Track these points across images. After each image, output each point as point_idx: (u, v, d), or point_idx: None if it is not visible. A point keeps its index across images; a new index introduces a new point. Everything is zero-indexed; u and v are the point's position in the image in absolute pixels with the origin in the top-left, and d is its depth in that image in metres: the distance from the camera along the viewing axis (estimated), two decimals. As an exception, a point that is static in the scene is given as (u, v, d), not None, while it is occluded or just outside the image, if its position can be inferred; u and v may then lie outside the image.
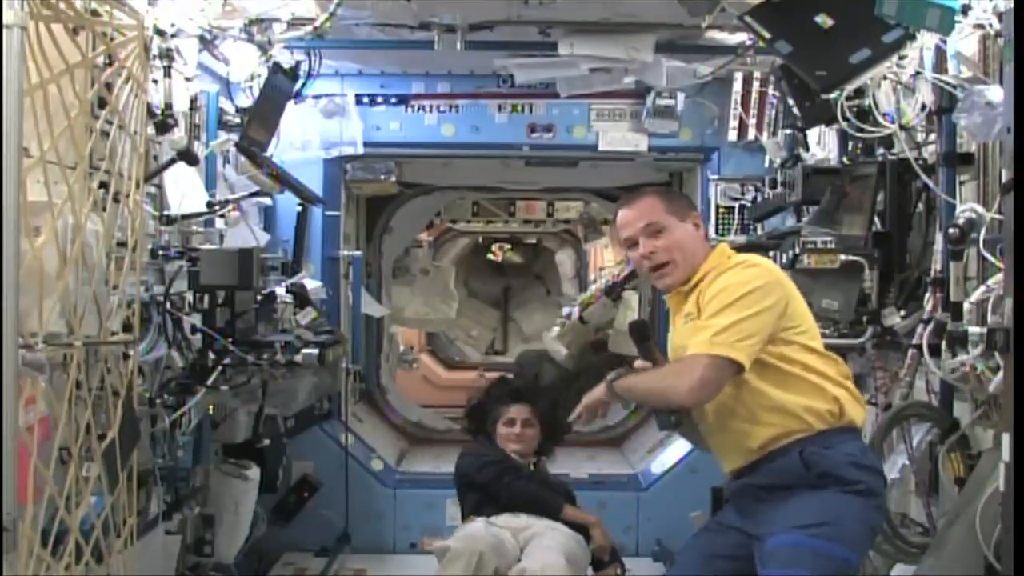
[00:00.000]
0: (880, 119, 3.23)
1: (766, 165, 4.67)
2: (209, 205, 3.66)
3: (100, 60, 2.74)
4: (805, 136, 4.08)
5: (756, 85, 4.65)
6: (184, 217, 3.54)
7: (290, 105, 4.29)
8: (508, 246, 12.10)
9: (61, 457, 2.42)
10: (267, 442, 4.11)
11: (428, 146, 5.09)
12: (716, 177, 4.93)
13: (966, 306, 2.77)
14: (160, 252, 3.34)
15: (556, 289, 11.55)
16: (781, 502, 2.46)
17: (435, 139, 5.01)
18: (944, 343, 2.86)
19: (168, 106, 3.40)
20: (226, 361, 3.37)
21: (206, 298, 3.43)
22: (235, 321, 3.43)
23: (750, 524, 2.55)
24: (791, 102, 3.67)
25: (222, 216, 3.76)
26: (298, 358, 3.49)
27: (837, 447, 2.45)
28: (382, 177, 5.40)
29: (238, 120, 4.14)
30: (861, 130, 3.28)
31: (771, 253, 3.82)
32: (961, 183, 3.05)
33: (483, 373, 9.09)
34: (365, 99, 4.93)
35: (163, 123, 3.36)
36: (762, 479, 2.51)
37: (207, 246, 3.56)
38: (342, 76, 4.88)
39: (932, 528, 3.03)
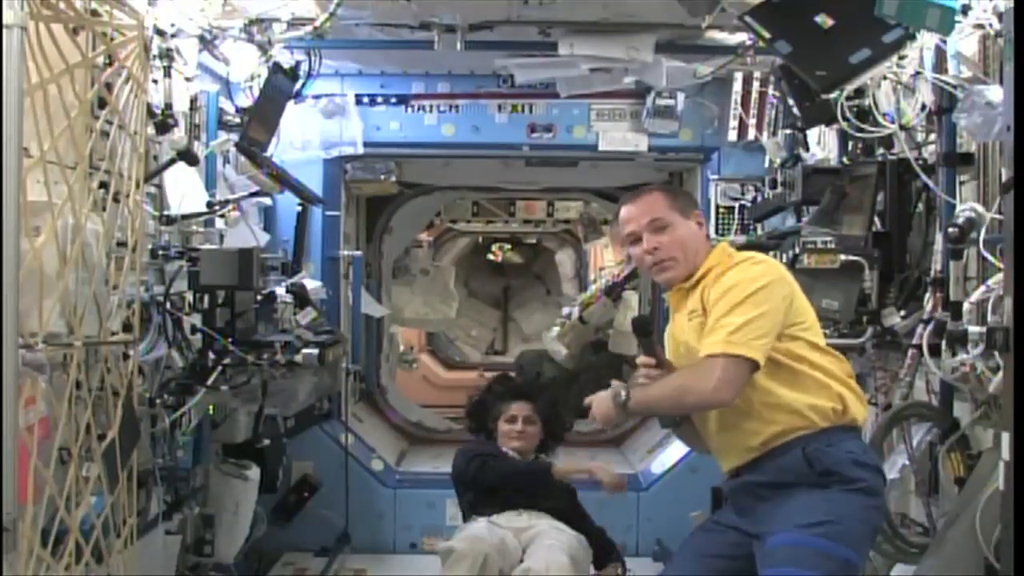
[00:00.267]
0: (880, 119, 3.24)
1: (766, 165, 4.67)
2: (209, 205, 3.66)
3: (100, 60, 2.74)
4: (805, 136, 4.09)
5: (756, 85, 4.65)
6: (184, 217, 3.54)
7: (290, 105, 4.29)
8: (508, 246, 12.10)
9: (61, 457, 2.42)
10: (267, 442, 4.11)
11: (428, 146, 5.09)
12: (716, 177, 4.93)
13: (966, 306, 2.77)
14: (160, 252, 3.33)
15: (556, 289, 11.55)
16: (782, 500, 2.45)
17: (435, 139, 5.01)
18: (944, 342, 2.86)
19: (168, 106, 3.40)
20: (226, 361, 3.37)
21: (206, 298, 3.43)
22: (235, 321, 3.43)
23: (749, 523, 2.55)
24: (791, 102, 3.67)
25: (222, 216, 3.76)
26: (298, 358, 3.49)
27: (839, 445, 2.45)
28: (382, 177, 5.40)
29: (238, 120, 4.14)
30: (861, 130, 3.28)
31: (771, 253, 3.81)
32: (961, 183, 3.05)
33: (483, 373, 9.07)
34: (365, 99, 4.93)
35: (163, 123, 3.36)
36: (763, 476, 2.50)
37: (207, 246, 3.56)
38: (342, 76, 4.88)
39: (932, 528, 3.03)
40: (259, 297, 3.69)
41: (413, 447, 6.12)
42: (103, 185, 2.67)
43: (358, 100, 4.89)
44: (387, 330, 6.97)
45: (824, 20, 2.99)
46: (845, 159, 3.73)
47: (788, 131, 4.19)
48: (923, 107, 3.18)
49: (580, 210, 8.70)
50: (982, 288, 2.66)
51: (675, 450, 5.23)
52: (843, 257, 3.31)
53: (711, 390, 2.36)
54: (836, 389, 2.48)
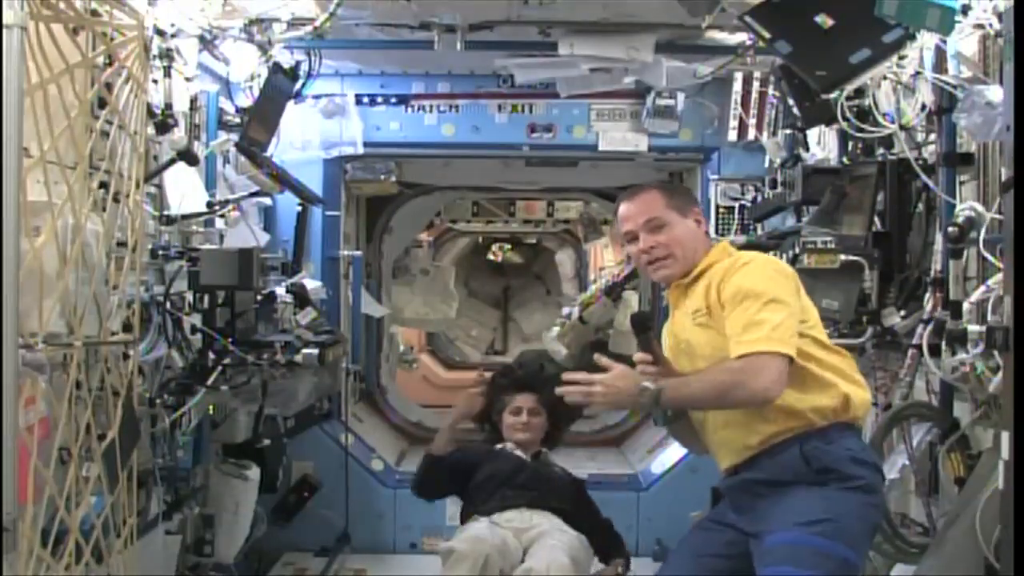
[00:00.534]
0: (880, 119, 3.24)
1: (766, 165, 4.67)
2: (209, 205, 3.66)
3: (100, 60, 2.74)
4: (805, 136, 4.09)
5: (756, 85, 4.65)
6: (184, 217, 3.54)
7: (290, 105, 4.29)
8: (508, 246, 12.10)
9: (61, 457, 2.42)
10: (267, 442, 4.11)
11: (428, 146, 5.09)
12: (716, 177, 4.93)
13: (966, 306, 2.77)
14: (160, 252, 3.33)
15: (556, 289, 11.55)
16: (780, 499, 2.44)
17: (435, 139, 5.01)
18: (944, 342, 2.86)
19: (168, 106, 3.39)
20: (226, 361, 3.37)
21: (206, 298, 3.43)
22: (235, 321, 3.43)
23: (746, 521, 2.54)
24: (791, 102, 3.67)
25: (222, 216, 3.76)
26: (298, 358, 3.48)
27: (838, 442, 2.44)
28: (382, 177, 5.40)
29: (238, 120, 4.14)
30: (861, 130, 3.28)
31: (771, 253, 3.81)
32: (961, 183, 3.05)
33: (483, 373, 9.07)
34: (365, 99, 4.92)
35: (163, 123, 3.36)
36: (760, 474, 2.50)
37: (207, 246, 3.56)
38: (342, 76, 4.88)
39: (932, 528, 3.03)
40: (259, 297, 3.69)
41: (413, 447, 6.12)
42: (103, 185, 2.67)
43: (358, 100, 4.89)
44: (387, 330, 6.97)
45: (824, 20, 2.99)
46: (845, 159, 3.73)
47: (788, 131, 4.19)
48: (923, 107, 3.18)
49: (580, 210, 8.69)
50: (982, 288, 2.66)
51: (675, 450, 5.23)
52: (843, 257, 3.31)
53: (763, 388, 2.31)
54: (842, 388, 2.47)
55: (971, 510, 2.55)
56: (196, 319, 3.40)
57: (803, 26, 3.01)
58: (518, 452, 3.92)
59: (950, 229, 2.78)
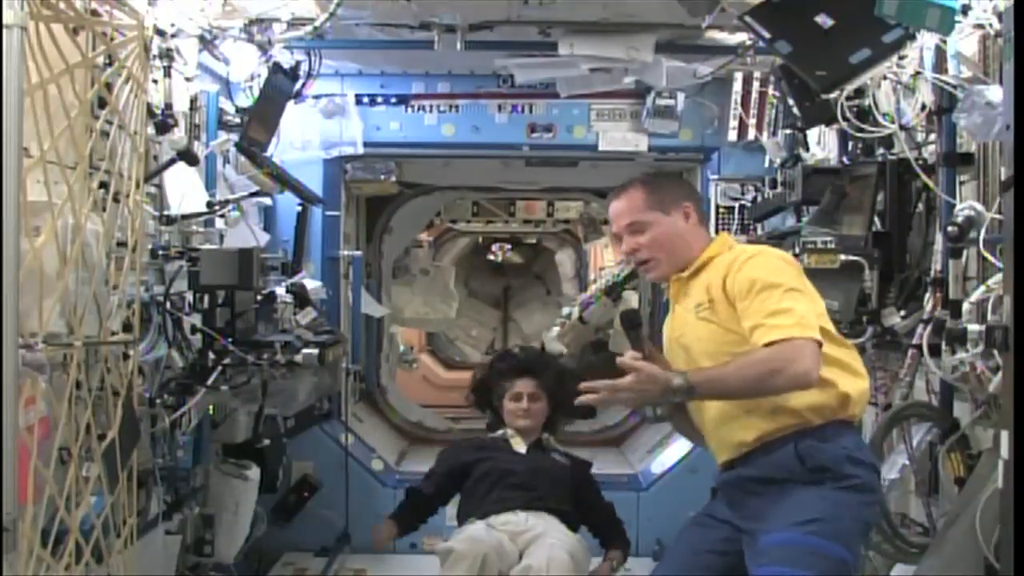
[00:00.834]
0: (886, 119, 3.24)
1: (766, 165, 4.67)
2: (209, 205, 3.66)
3: (100, 60, 2.74)
4: (805, 136, 4.08)
5: (756, 85, 4.65)
6: (184, 217, 3.54)
7: (290, 105, 4.29)
8: (508, 246, 12.10)
9: (61, 457, 2.42)
10: (267, 442, 4.11)
11: (428, 146, 5.09)
12: (716, 177, 4.93)
13: (965, 306, 2.77)
14: (160, 252, 3.33)
15: (556, 289, 11.54)
16: (775, 498, 2.43)
17: (435, 139, 5.01)
18: (943, 341, 2.86)
19: (168, 106, 3.40)
20: (226, 361, 3.37)
21: (206, 298, 3.43)
22: (235, 321, 3.43)
23: (740, 517, 2.54)
24: (791, 102, 3.67)
25: (222, 216, 3.76)
26: (298, 358, 3.48)
27: (834, 441, 2.43)
28: (382, 177, 5.40)
29: (238, 120, 4.14)
30: (861, 130, 3.28)
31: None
32: (961, 183, 3.05)
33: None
34: (365, 99, 4.92)
35: (163, 123, 3.36)
36: (755, 471, 2.49)
37: (207, 246, 3.56)
38: (342, 76, 4.87)
39: (932, 528, 3.03)
40: (259, 297, 3.69)
41: (413, 447, 6.12)
42: (103, 185, 2.66)
43: (358, 100, 4.89)
44: (387, 330, 6.96)
45: (824, 20, 2.99)
46: (845, 159, 3.73)
47: (788, 131, 4.18)
48: (923, 107, 3.18)
49: (580, 210, 8.69)
50: (982, 288, 2.66)
51: (675, 450, 5.23)
52: (843, 257, 3.31)
53: (805, 371, 2.28)
54: (841, 388, 2.45)
55: (971, 510, 2.55)
56: (196, 319, 3.40)
57: (803, 26, 3.02)
58: (516, 441, 3.87)
59: (950, 228, 2.78)
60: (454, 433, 6.41)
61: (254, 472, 4.01)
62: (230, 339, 3.35)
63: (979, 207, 2.77)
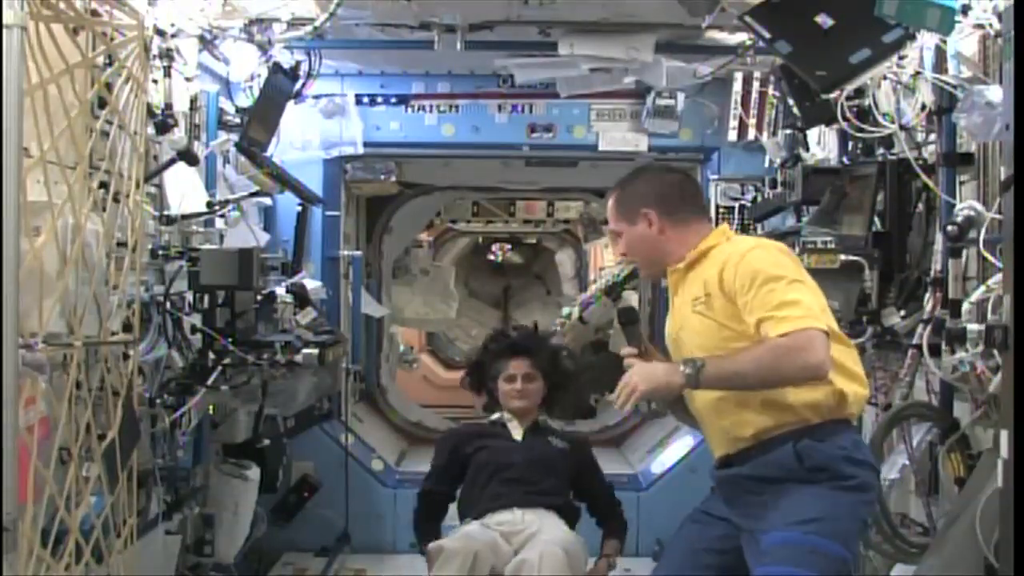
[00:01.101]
0: (881, 119, 3.24)
1: (766, 165, 4.67)
2: (209, 205, 3.66)
3: (100, 60, 2.74)
4: (805, 136, 4.08)
5: (756, 85, 4.65)
6: (184, 217, 3.54)
7: (290, 105, 4.29)
8: (508, 246, 12.10)
9: (61, 457, 2.43)
10: (267, 442, 4.11)
11: (428, 146, 5.09)
12: (716, 177, 4.93)
13: (965, 306, 2.77)
14: (160, 252, 3.33)
15: (556, 289, 11.55)
16: (773, 497, 2.43)
17: (435, 139, 5.01)
18: (943, 341, 2.86)
19: (168, 106, 3.40)
20: (226, 361, 3.37)
21: (206, 298, 3.43)
22: (235, 321, 3.43)
23: (738, 515, 2.53)
24: (791, 102, 3.67)
25: (222, 216, 3.76)
26: (298, 358, 3.49)
27: (831, 440, 2.42)
28: (382, 177, 5.41)
29: (238, 120, 4.14)
30: (861, 130, 3.28)
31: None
32: (961, 183, 3.05)
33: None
34: (365, 99, 4.93)
35: (163, 123, 3.36)
36: (752, 470, 2.48)
37: (207, 246, 3.56)
38: (342, 76, 4.88)
39: (932, 528, 3.03)
40: (259, 297, 3.70)
41: (413, 447, 6.12)
42: (103, 185, 2.67)
43: (358, 100, 4.89)
44: (387, 330, 6.97)
45: (824, 20, 2.99)
46: (845, 159, 3.73)
47: (788, 131, 4.18)
48: (923, 107, 3.18)
49: (580, 210, 8.69)
50: (982, 288, 2.66)
51: (675, 450, 5.23)
52: (843, 257, 3.31)
53: (818, 361, 2.27)
54: (837, 386, 2.43)
55: (971, 510, 2.55)
56: (196, 319, 3.40)
57: (803, 26, 3.02)
58: (513, 426, 3.81)
59: (949, 228, 2.78)
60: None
61: (254, 472, 4.01)
62: (230, 339, 3.36)
63: (979, 207, 2.77)
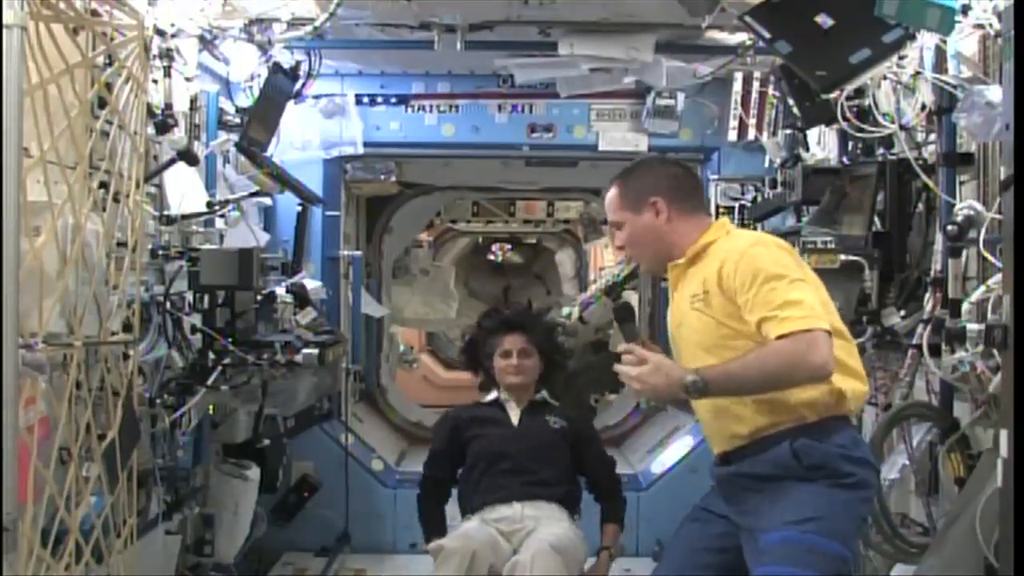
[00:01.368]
0: (881, 119, 3.24)
1: (766, 165, 4.67)
2: (209, 205, 3.67)
3: (100, 60, 2.74)
4: (805, 136, 4.09)
5: (756, 85, 4.65)
6: (184, 217, 3.54)
7: (290, 105, 4.29)
8: (508, 246, 12.10)
9: (61, 457, 2.43)
10: (267, 442, 4.11)
11: (428, 146, 5.09)
12: (716, 177, 4.93)
13: (965, 306, 2.78)
14: (160, 252, 3.33)
15: (556, 289, 11.54)
16: (771, 496, 2.42)
17: (435, 139, 5.01)
18: (943, 341, 2.86)
19: (168, 106, 3.40)
20: (226, 361, 3.37)
21: (206, 298, 3.43)
22: (235, 321, 3.43)
23: (737, 513, 2.53)
24: (791, 102, 3.67)
25: (222, 216, 3.76)
26: (298, 358, 3.48)
27: (829, 438, 2.41)
28: (382, 177, 5.41)
29: (238, 120, 4.14)
30: (861, 130, 3.28)
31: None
32: (961, 183, 3.05)
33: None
34: (365, 99, 4.92)
35: (163, 123, 3.36)
36: (751, 468, 2.48)
37: (207, 246, 3.56)
38: (342, 76, 4.88)
39: (932, 528, 3.03)
40: (259, 297, 3.69)
41: (413, 447, 6.12)
42: (103, 185, 2.67)
43: (358, 100, 4.89)
44: (387, 330, 6.97)
45: (824, 20, 2.99)
46: (845, 159, 3.73)
47: (788, 131, 4.19)
48: (923, 107, 3.18)
49: (580, 210, 8.69)
50: (982, 288, 2.66)
51: (675, 450, 5.23)
52: (843, 257, 3.31)
53: (823, 362, 2.25)
54: (837, 385, 2.41)
55: (971, 510, 2.55)
56: (196, 319, 3.40)
57: (803, 26, 3.02)
58: (511, 406, 3.76)
59: (949, 228, 2.79)
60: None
61: (254, 472, 4.01)
62: (230, 339, 3.36)
63: (979, 207, 2.77)
